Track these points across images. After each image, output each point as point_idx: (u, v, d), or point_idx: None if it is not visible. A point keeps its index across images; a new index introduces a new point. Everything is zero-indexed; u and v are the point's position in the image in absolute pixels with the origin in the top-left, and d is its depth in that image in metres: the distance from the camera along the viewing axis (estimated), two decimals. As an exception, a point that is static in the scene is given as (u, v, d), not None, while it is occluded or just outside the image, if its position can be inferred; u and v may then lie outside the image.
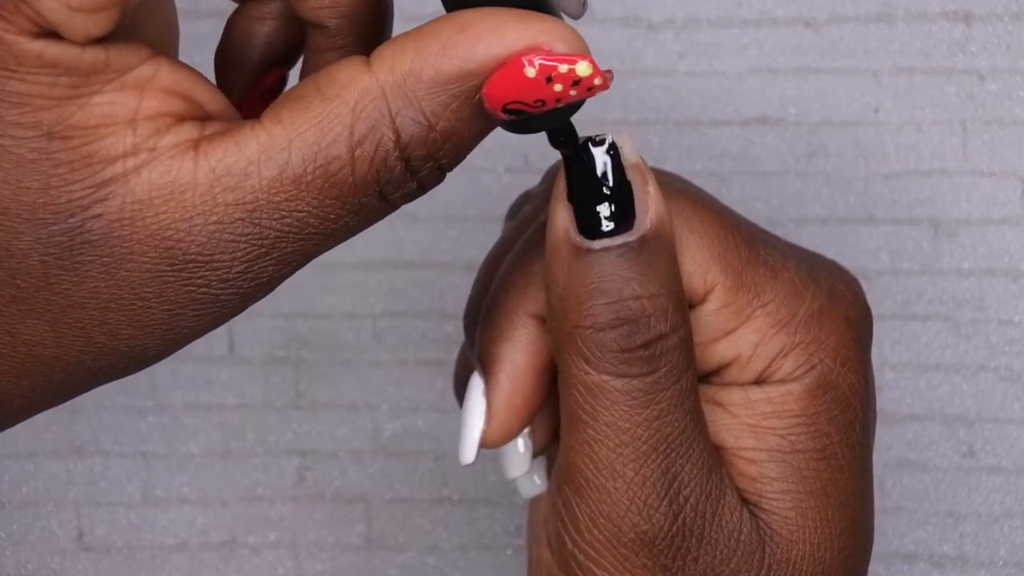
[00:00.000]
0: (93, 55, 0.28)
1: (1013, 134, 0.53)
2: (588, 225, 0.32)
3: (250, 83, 0.34)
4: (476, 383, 0.35)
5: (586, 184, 0.31)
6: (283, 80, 0.35)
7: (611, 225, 0.31)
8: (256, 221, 0.28)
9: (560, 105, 0.29)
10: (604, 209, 0.31)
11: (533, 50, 0.28)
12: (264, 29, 0.34)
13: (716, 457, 0.33)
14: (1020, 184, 0.54)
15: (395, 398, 0.57)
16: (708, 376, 0.34)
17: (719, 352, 0.33)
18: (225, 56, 0.34)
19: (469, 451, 0.35)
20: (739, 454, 0.33)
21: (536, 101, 0.28)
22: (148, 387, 0.57)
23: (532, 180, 0.32)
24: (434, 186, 0.30)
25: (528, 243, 0.35)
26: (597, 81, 0.28)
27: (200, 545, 0.57)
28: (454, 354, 0.48)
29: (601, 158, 0.31)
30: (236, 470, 0.57)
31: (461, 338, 0.41)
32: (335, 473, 0.57)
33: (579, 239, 0.32)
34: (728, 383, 0.34)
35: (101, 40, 0.28)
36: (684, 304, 0.32)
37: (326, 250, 0.30)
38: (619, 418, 0.32)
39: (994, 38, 0.53)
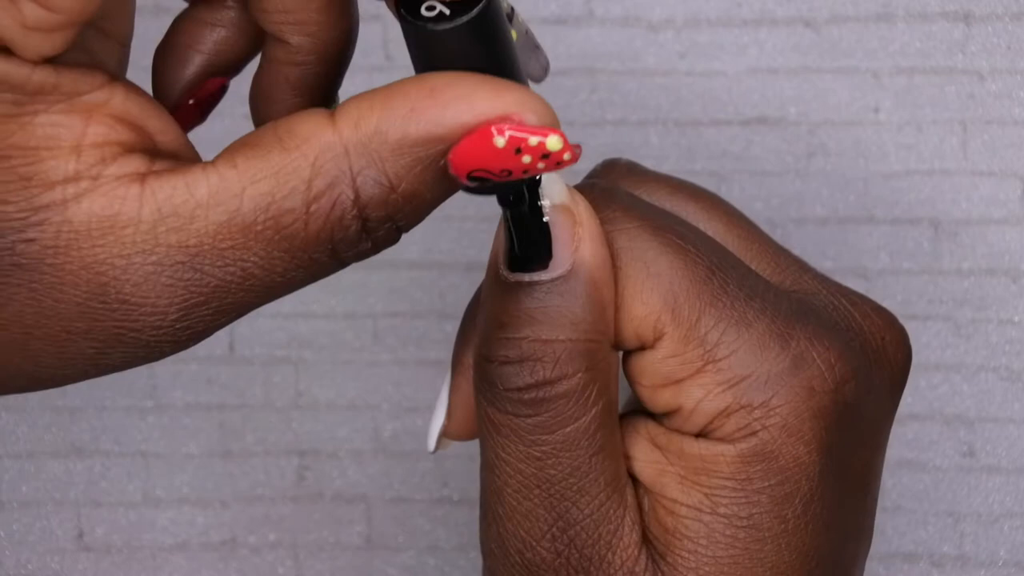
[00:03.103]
0: (42, 76, 0.27)
1: (1013, 134, 0.53)
2: (512, 256, 0.31)
3: (189, 88, 0.33)
4: (446, 380, 0.35)
5: (512, 217, 0.31)
6: (224, 88, 0.34)
7: (528, 261, 0.31)
8: (198, 267, 0.27)
9: (526, 176, 0.28)
10: (524, 244, 0.31)
11: (504, 120, 0.28)
12: (213, 36, 0.33)
13: (617, 502, 0.32)
14: (1020, 184, 0.54)
15: (395, 398, 0.56)
16: (660, 416, 0.33)
17: (664, 399, 0.32)
18: (166, 56, 0.33)
19: (431, 441, 0.36)
20: (662, 502, 0.32)
21: (502, 171, 0.28)
22: (148, 387, 0.57)
23: (532, 180, 0.32)
24: (388, 246, 0.29)
25: None
26: (566, 156, 0.28)
27: (200, 545, 0.57)
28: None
29: (524, 195, 0.31)
30: (236, 470, 0.57)
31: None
32: (335, 473, 0.57)
33: (500, 268, 0.31)
34: (672, 429, 0.33)
35: (53, 59, 0.27)
36: (591, 353, 0.31)
37: (266, 303, 0.29)
38: (503, 450, 0.32)
39: (994, 38, 0.53)
